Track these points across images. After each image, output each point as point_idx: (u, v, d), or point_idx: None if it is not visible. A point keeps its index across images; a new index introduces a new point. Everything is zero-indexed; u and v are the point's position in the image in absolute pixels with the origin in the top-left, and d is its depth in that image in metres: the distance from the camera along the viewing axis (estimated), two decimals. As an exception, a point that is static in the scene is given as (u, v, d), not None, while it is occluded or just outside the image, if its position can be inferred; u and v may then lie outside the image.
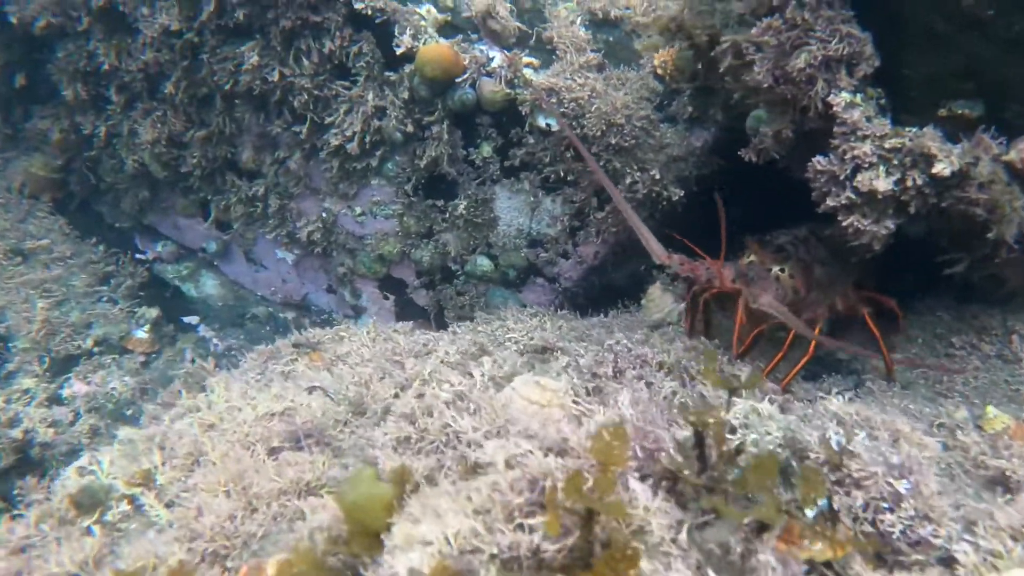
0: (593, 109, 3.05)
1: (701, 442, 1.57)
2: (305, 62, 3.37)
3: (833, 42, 2.22)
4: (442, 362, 2.72)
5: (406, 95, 3.28)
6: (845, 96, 2.28)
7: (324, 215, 3.87)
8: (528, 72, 3.13)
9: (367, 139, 3.43)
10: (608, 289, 3.70)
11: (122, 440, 2.43)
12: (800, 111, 2.37)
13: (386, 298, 4.06)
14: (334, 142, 3.47)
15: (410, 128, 3.35)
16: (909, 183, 2.24)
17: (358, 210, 3.80)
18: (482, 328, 3.26)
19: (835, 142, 2.31)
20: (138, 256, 4.41)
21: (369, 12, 3.20)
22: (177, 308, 4.28)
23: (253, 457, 2.07)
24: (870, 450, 1.69)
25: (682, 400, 2.47)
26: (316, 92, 3.43)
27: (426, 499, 1.60)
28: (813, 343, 2.55)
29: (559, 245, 3.49)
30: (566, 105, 3.06)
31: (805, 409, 2.06)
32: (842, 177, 2.30)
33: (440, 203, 3.58)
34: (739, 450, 1.73)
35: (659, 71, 3.29)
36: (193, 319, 4.23)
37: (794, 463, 1.77)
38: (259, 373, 2.97)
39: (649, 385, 2.52)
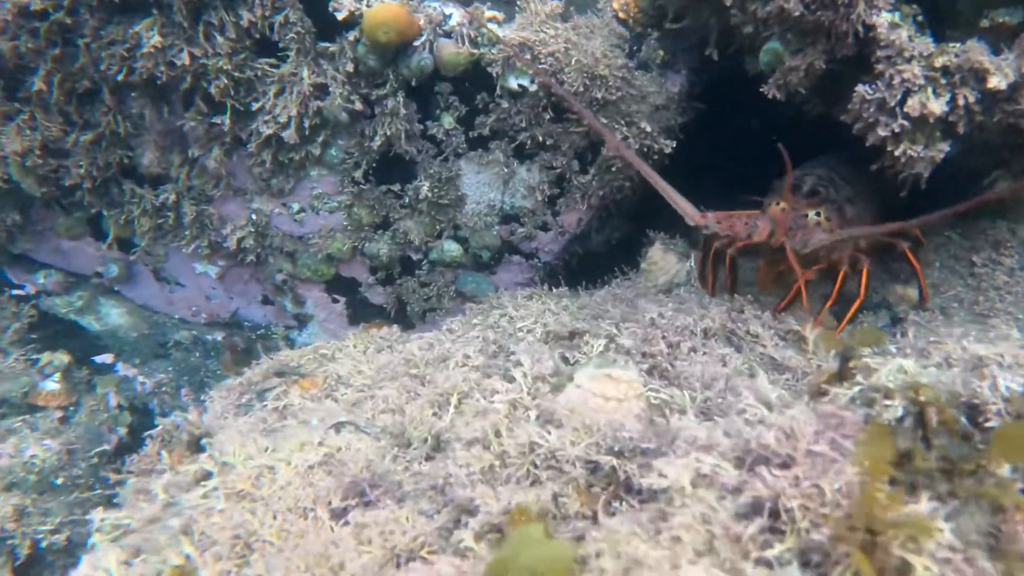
0: (573, 62, 2.75)
1: (922, 419, 1.37)
2: (219, 39, 2.84)
3: (876, -42, 2.04)
4: (466, 366, 2.40)
5: (350, 67, 2.84)
6: (886, 16, 2.12)
7: (254, 217, 3.36)
8: (493, 28, 2.77)
9: (306, 124, 2.96)
10: (587, 258, 3.46)
11: (109, 530, 1.95)
12: (836, 38, 2.19)
13: (335, 301, 3.62)
14: (266, 131, 2.98)
15: (358, 106, 2.92)
16: (960, 102, 2.13)
17: (296, 207, 3.32)
18: (479, 321, 2.93)
19: (880, 67, 2.15)
20: (15, 292, 3.70)
21: (293, -28, 2.72)
22: (82, 347, 3.63)
23: (319, 527, 1.68)
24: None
25: (746, 367, 2.29)
26: (237, 74, 2.91)
27: (610, 544, 1.32)
28: (863, 284, 2.43)
29: (537, 217, 3.19)
30: (543, 60, 2.74)
31: (925, 357, 1.90)
32: (892, 104, 2.15)
33: (397, 187, 3.18)
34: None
35: (621, 15, 3.03)
36: (107, 358, 3.60)
37: (963, 420, 1.61)
38: (242, 413, 2.51)
39: (701, 351, 2.32)
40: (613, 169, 2.97)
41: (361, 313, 3.64)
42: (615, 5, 3.04)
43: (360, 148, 3.07)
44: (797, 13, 2.16)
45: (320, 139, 3.05)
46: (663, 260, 3.02)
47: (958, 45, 2.11)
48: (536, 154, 3.02)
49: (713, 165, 3.22)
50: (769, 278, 2.52)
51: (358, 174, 3.14)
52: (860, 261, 2.46)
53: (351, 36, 2.79)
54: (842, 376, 1.87)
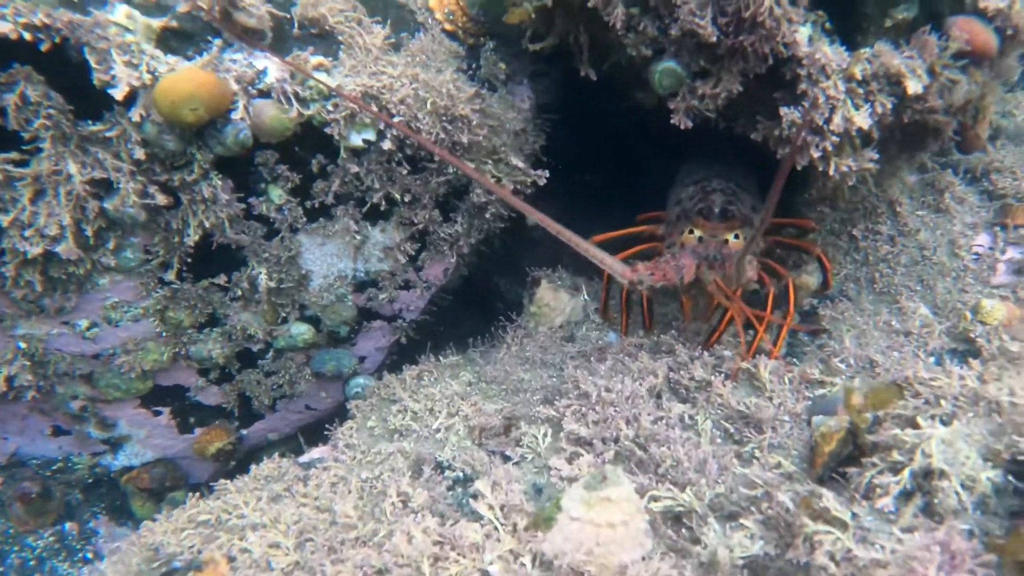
0: (428, 106, 2.28)
1: None
2: (-72, 145, 1.99)
3: (795, -30, 1.83)
4: (405, 506, 2.00)
5: (140, 154, 2.13)
6: (803, 31, 1.93)
7: (23, 346, 2.53)
8: (322, 78, 2.21)
9: (88, 231, 2.22)
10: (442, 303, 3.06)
11: None
12: (753, 60, 1.97)
13: (157, 414, 2.89)
14: (32, 251, 2.18)
15: (160, 200, 2.23)
16: (879, 110, 2.02)
17: (84, 323, 2.54)
18: (375, 422, 2.45)
19: (803, 86, 1.97)
20: None
21: (27, 36, 1.94)
22: None
23: None
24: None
25: (716, 430, 2.10)
26: (-35, 185, 2.08)
27: None
28: (791, 301, 2.33)
29: (397, 278, 2.72)
30: (395, 110, 2.24)
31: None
32: (822, 123, 1.99)
33: (223, 279, 2.53)
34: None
35: (448, 27, 2.60)
36: None
37: (1011, 479, 1.55)
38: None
39: (662, 420, 2.10)
40: (487, 214, 2.58)
41: (196, 418, 2.95)
42: (439, 16, 2.59)
43: (167, 244, 2.38)
44: (712, 39, 1.90)
45: (111, 245, 2.31)
46: (554, 300, 2.73)
47: (869, 51, 1.99)
48: (391, 212, 2.53)
49: (572, 176, 2.95)
50: (697, 312, 2.33)
51: (169, 274, 2.45)
52: (783, 276, 2.35)
53: (134, 114, 2.07)
54: (859, 448, 1.75)
